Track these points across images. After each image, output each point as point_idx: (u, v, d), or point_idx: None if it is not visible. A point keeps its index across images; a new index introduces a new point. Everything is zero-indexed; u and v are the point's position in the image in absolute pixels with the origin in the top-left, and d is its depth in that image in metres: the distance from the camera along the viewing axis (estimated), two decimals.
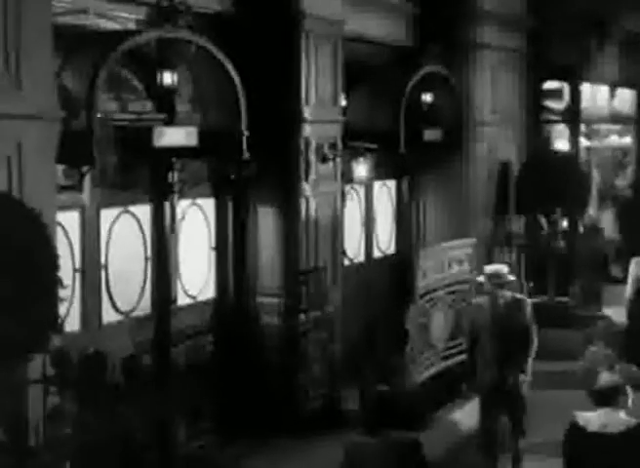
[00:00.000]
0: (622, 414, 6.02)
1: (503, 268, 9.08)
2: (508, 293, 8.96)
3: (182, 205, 9.42)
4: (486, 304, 8.95)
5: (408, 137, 11.89)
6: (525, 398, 8.94)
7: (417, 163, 12.65)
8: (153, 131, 8.41)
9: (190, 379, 9.03)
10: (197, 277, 9.74)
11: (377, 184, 12.50)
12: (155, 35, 8.42)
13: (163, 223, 9.07)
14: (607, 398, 6.03)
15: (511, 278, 9.11)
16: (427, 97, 12.47)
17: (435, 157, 12.81)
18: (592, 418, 6.03)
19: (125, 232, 8.81)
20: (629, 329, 11.88)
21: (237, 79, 9.03)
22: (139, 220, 8.98)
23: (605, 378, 6.13)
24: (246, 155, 9.13)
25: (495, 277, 8.90)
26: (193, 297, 9.68)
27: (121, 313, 8.78)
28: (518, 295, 9.20)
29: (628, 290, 11.90)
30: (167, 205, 9.08)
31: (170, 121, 8.78)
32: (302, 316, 10.05)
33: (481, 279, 9.15)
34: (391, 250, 12.85)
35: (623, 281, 16.70)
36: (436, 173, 13.12)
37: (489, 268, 9.12)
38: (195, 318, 9.65)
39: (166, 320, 9.10)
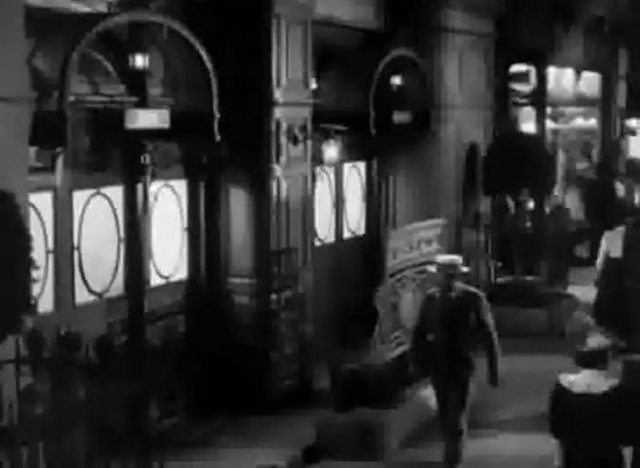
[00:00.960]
0: (605, 376, 6.18)
1: (457, 259, 8.71)
2: (461, 285, 8.59)
3: (155, 186, 9.36)
4: (437, 295, 8.60)
5: (377, 120, 11.89)
6: (468, 398, 8.63)
7: (386, 145, 12.64)
8: (125, 113, 8.36)
9: (163, 359, 9.00)
10: (170, 258, 9.70)
11: (347, 166, 12.48)
12: (127, 18, 8.35)
13: (135, 205, 9.01)
14: (592, 360, 6.18)
15: (465, 269, 8.79)
16: (397, 80, 12.46)
17: (404, 139, 12.80)
18: (577, 380, 6.19)
19: (97, 214, 8.75)
20: (599, 298, 12.05)
21: (209, 62, 8.97)
22: (111, 202, 8.92)
23: (591, 342, 6.26)
24: (217, 137, 9.09)
25: (447, 268, 8.52)
26: (166, 278, 9.65)
27: (94, 294, 8.73)
28: (471, 289, 8.72)
29: (599, 262, 12.03)
30: (139, 186, 9.02)
31: (142, 103, 8.73)
32: (274, 296, 10.05)
33: (433, 269, 8.80)
34: (361, 230, 12.85)
35: (588, 260, 16.88)
36: (405, 154, 13.11)
37: (442, 258, 8.77)
38: (168, 298, 9.62)
39: (139, 300, 9.06)
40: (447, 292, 8.52)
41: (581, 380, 6.19)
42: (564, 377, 6.26)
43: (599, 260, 12.09)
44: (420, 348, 8.78)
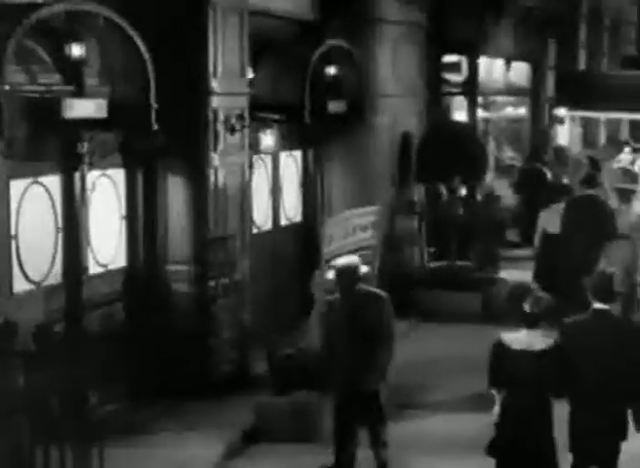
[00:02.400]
0: (541, 335, 6.73)
1: (356, 261, 7.97)
2: (364, 288, 7.90)
3: (93, 175, 9.26)
4: (338, 301, 7.86)
5: (313, 109, 11.91)
6: (384, 407, 7.90)
7: (322, 133, 12.64)
8: (62, 103, 8.24)
9: (102, 346, 8.93)
10: (108, 246, 9.60)
11: (283, 154, 12.46)
12: (63, 8, 8.23)
13: (73, 194, 8.91)
14: (534, 322, 6.74)
15: (364, 270, 8.11)
16: (331, 70, 12.45)
17: (340, 128, 12.81)
18: (517, 338, 6.73)
19: (35, 202, 8.63)
20: (537, 269, 12.50)
21: (145, 52, 8.89)
22: (49, 191, 8.80)
23: (531, 304, 6.78)
24: (155, 126, 9.03)
25: (347, 272, 7.80)
26: (104, 266, 9.55)
27: (32, 282, 8.61)
28: (375, 290, 8.05)
29: (536, 238, 12.71)
30: (77, 175, 8.93)
31: (79, 93, 8.62)
32: (212, 283, 10.03)
33: (331, 275, 8.03)
34: (298, 217, 12.84)
35: (519, 245, 17.11)
36: (341, 143, 13.12)
37: (340, 262, 7.97)
38: (107, 286, 9.54)
39: (77, 289, 8.97)
40: (348, 298, 7.77)
41: (521, 339, 6.71)
42: (505, 336, 6.78)
43: (536, 236, 12.67)
44: (326, 361, 8.02)
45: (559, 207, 12.48)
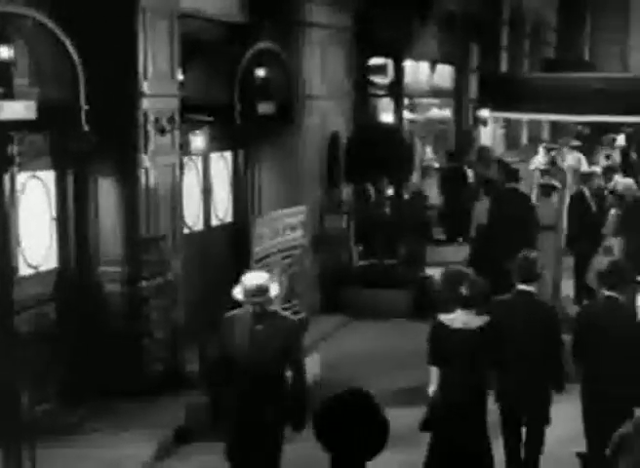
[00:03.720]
0: (476, 315, 7.14)
1: (266, 280, 6.96)
2: (271, 310, 6.96)
3: (22, 177, 9.09)
4: (243, 321, 6.91)
5: (243, 110, 11.84)
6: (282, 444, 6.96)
7: (252, 135, 12.58)
8: None
9: (34, 347, 8.79)
10: (39, 248, 9.44)
11: (214, 156, 12.38)
12: None
13: (2, 195, 8.73)
14: (470, 302, 7.11)
15: (275, 289, 7.08)
16: (261, 72, 12.39)
17: (269, 129, 12.77)
18: (455, 318, 7.13)
19: None
20: (471, 256, 13.12)
21: (75, 53, 8.76)
22: None
23: (466, 287, 7.16)
24: (85, 128, 8.91)
25: (255, 293, 6.81)
26: (35, 268, 9.39)
27: None
28: (283, 314, 7.31)
29: (472, 228, 13.58)
30: (6, 177, 8.75)
31: (7, 94, 8.44)
32: (144, 283, 9.92)
33: (238, 293, 6.99)
34: (229, 218, 12.78)
35: (445, 242, 17.26)
36: (270, 144, 13.08)
37: (249, 282, 6.90)
38: (38, 287, 9.37)
39: (7, 290, 8.79)
40: (256, 322, 6.85)
41: (458, 318, 7.12)
42: (443, 316, 7.18)
43: (472, 227, 13.57)
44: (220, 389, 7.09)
45: (485, 202, 13.33)
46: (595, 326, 7.49)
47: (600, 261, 11.58)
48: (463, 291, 7.16)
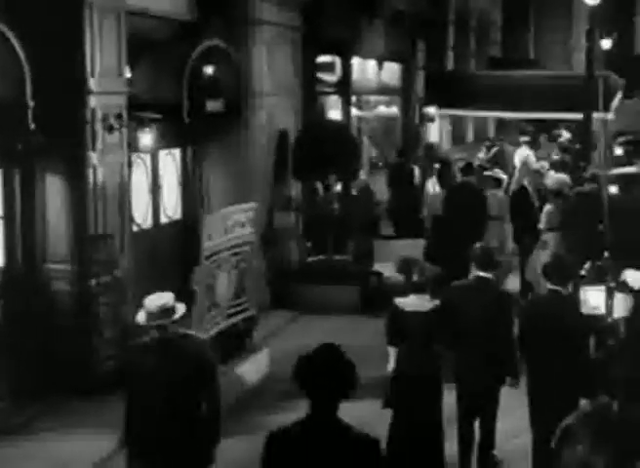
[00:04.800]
0: (429, 299, 7.78)
1: (170, 300, 6.20)
2: (179, 333, 6.23)
3: None
4: (149, 349, 6.18)
5: (191, 108, 11.76)
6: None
7: (200, 132, 12.51)
8: None
9: None
10: None
11: (162, 153, 12.28)
12: None
13: None
14: (421, 287, 7.80)
15: (181, 309, 6.25)
16: (209, 70, 12.32)
17: (218, 127, 12.70)
18: (408, 302, 7.78)
19: None
20: (427, 245, 13.23)
21: (21, 51, 8.62)
22: None
23: (418, 274, 7.82)
24: (32, 126, 8.78)
25: (159, 315, 6.08)
26: None
27: None
28: (192, 334, 6.52)
29: (427, 220, 13.94)
30: None
31: None
32: (93, 281, 9.81)
33: (140, 317, 6.20)
34: (178, 215, 12.69)
35: (393, 238, 17.31)
36: (219, 141, 13.01)
37: (149, 300, 6.18)
38: None
39: None
40: (161, 344, 6.13)
41: (412, 302, 7.76)
42: (398, 300, 7.79)
43: (426, 219, 14.06)
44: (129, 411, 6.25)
45: (442, 193, 13.68)
46: (540, 319, 7.55)
47: (537, 256, 11.89)
48: (415, 277, 7.80)
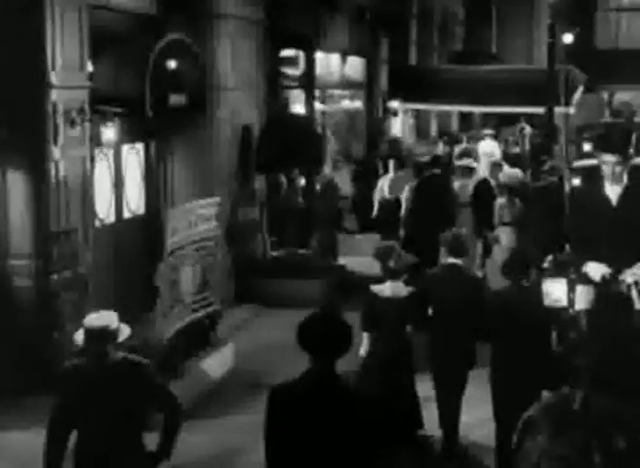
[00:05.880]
0: (403, 285, 8.11)
1: (111, 319, 5.67)
2: (119, 357, 5.64)
3: None
4: (85, 375, 5.64)
5: (154, 102, 11.68)
6: None
7: (163, 126, 12.43)
8: None
9: None
10: None
11: (125, 147, 12.20)
12: None
13: None
14: (397, 274, 8.08)
15: (125, 332, 5.71)
16: (172, 64, 12.24)
17: (181, 121, 12.63)
18: (385, 288, 8.08)
19: None
20: (405, 234, 13.44)
21: None
22: None
23: (394, 261, 8.07)
24: None
25: (97, 336, 5.54)
26: None
27: None
28: (134, 358, 5.78)
29: (403, 210, 13.88)
30: None
31: None
32: (55, 277, 9.72)
33: (79, 338, 5.69)
34: (141, 210, 12.61)
35: (357, 232, 17.35)
36: (182, 136, 12.94)
37: (89, 320, 5.67)
38: None
39: None
40: (100, 368, 5.58)
41: (387, 289, 8.05)
42: (374, 287, 8.09)
43: (402, 210, 14.01)
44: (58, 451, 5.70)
45: (413, 185, 13.85)
46: (503, 311, 7.60)
47: (497, 251, 12.02)
48: (391, 264, 8.03)
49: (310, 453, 4.81)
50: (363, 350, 8.06)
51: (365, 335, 8.07)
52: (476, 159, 17.20)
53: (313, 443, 4.80)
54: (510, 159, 18.15)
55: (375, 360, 8.02)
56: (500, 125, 23.55)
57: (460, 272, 8.36)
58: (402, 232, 13.63)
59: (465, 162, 14.32)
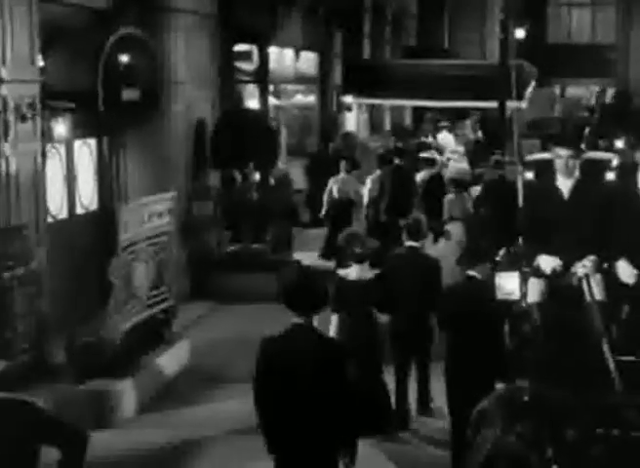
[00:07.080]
0: (368, 269, 8.46)
1: None
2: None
3: None
4: None
5: (107, 97, 11.57)
6: None
7: (116, 121, 12.31)
8: None
9: None
10: None
11: (77, 142, 12.07)
12: None
13: None
14: (363, 258, 8.44)
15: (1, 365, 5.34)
16: (125, 58, 12.13)
17: (134, 116, 12.51)
18: (351, 272, 8.47)
19: None
20: (368, 224, 14.08)
21: None
22: None
23: (359, 246, 8.45)
24: None
25: None
26: None
27: None
28: (15, 398, 4.81)
29: (365, 201, 14.69)
30: None
31: None
32: (7, 274, 9.59)
33: None
34: (94, 205, 12.49)
35: (311, 226, 17.40)
36: (136, 130, 12.83)
37: None
38: None
39: None
40: None
41: (353, 272, 8.44)
42: (341, 271, 8.58)
43: (366, 200, 14.72)
44: None
45: (376, 176, 14.65)
46: (455, 304, 7.66)
47: (446, 246, 12.14)
48: (357, 249, 8.42)
49: (295, 392, 5.53)
50: (332, 330, 8.34)
51: (334, 317, 8.38)
52: (439, 151, 17.40)
53: (297, 383, 5.53)
54: (468, 153, 18.25)
55: (342, 339, 8.15)
56: (454, 119, 23.67)
57: (419, 254, 8.95)
58: (365, 220, 14.34)
59: (427, 154, 14.78)
